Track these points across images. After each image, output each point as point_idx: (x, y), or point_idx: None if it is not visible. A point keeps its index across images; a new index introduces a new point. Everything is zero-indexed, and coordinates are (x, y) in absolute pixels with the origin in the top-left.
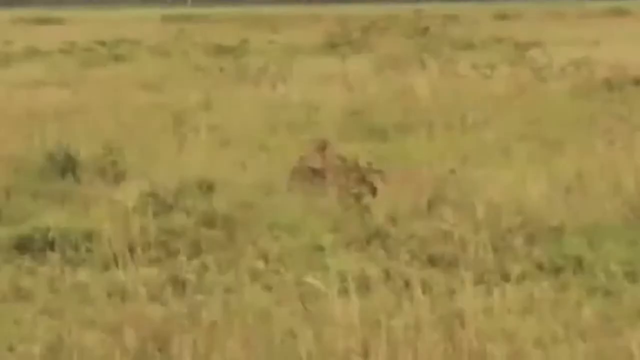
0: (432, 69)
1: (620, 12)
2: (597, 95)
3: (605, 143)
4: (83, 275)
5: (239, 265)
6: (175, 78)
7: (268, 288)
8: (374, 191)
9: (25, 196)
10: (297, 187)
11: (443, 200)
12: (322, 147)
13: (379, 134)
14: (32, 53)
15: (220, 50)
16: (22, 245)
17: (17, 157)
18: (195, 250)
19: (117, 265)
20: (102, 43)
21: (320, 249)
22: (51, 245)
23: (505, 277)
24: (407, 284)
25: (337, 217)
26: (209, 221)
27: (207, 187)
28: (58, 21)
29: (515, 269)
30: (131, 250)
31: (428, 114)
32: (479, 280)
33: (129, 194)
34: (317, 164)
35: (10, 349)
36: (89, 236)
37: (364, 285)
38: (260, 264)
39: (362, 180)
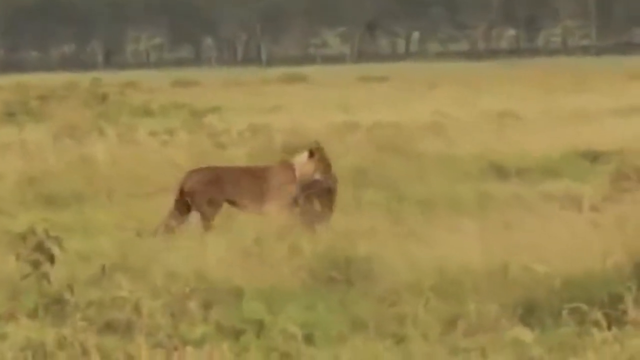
0: (111, 137)
1: (297, 78)
2: (275, 160)
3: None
4: None
5: None
6: None
7: None
8: (51, 259)
9: None
10: None
11: (121, 268)
12: None
13: (57, 202)
14: None
15: None
16: None
17: None
18: None
19: None
20: None
21: None
22: None
23: (185, 341)
24: (85, 351)
25: (15, 285)
26: None
27: None
28: None
29: (194, 333)
30: None
31: (107, 182)
32: (156, 345)
33: None
34: None
35: None
36: None
37: (41, 353)
38: None
39: (39, 248)
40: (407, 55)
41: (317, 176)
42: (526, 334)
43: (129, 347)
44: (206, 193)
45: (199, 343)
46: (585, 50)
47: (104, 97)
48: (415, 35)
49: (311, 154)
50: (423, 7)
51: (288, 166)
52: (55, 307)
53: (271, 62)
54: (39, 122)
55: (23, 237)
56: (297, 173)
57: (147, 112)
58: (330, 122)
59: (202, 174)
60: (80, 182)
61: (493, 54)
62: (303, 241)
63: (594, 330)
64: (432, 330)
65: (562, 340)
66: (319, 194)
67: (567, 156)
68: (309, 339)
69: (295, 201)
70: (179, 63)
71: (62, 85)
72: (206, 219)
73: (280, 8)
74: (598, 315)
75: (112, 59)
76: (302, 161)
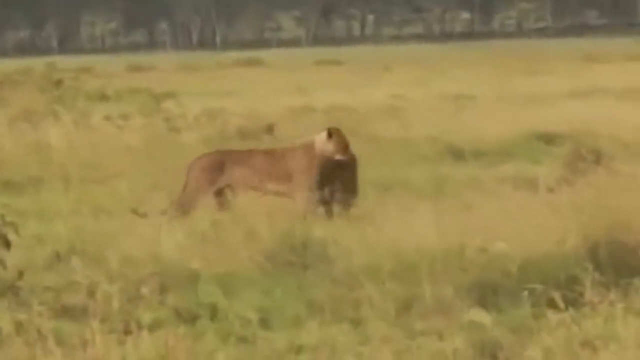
0: (66, 122)
1: (253, 63)
2: (231, 144)
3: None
4: None
5: None
6: None
7: None
8: (7, 244)
9: None
10: None
11: (76, 252)
12: None
13: (13, 187)
14: None
15: None
16: None
17: None
18: None
19: None
20: None
21: None
22: None
23: (140, 326)
24: (41, 336)
25: None
26: None
27: None
28: None
29: (149, 317)
30: None
31: (63, 167)
32: (111, 330)
33: None
34: None
35: None
36: None
37: None
38: None
39: None
40: (363, 39)
41: (338, 156)
42: (483, 316)
43: (85, 331)
44: (197, 179)
45: (154, 328)
46: (540, 33)
47: (59, 82)
48: (370, 18)
49: (329, 135)
50: None
51: (309, 146)
52: (10, 292)
53: (226, 46)
54: None
55: None
56: (318, 152)
57: (102, 97)
58: (286, 106)
59: (205, 159)
60: (36, 167)
61: (448, 37)
62: (260, 225)
63: (551, 312)
64: (389, 313)
65: (520, 322)
66: (340, 175)
67: (524, 138)
68: (265, 323)
69: (316, 183)
70: (134, 48)
71: (17, 71)
72: (180, 204)
73: None
74: (555, 296)
75: (67, 44)
76: (322, 140)
